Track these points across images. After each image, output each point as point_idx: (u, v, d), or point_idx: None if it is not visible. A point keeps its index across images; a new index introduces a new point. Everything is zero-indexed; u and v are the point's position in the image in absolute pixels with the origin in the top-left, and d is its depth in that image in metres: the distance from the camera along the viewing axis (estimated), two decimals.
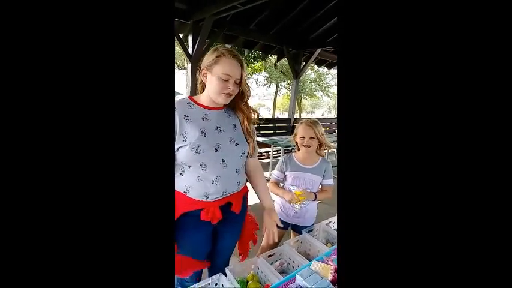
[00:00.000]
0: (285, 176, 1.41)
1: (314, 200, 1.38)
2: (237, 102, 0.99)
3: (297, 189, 1.36)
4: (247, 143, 1.01)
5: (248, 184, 1.12)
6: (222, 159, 0.92)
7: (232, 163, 0.95)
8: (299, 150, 1.41)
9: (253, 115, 1.01)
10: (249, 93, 1.00)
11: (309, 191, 1.35)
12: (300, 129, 1.37)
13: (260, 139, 3.81)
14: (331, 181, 1.41)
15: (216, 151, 0.90)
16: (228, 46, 5.09)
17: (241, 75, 0.92)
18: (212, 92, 0.91)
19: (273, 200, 1.42)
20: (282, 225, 1.43)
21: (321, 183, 1.41)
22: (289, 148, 3.96)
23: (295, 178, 1.38)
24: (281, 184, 1.45)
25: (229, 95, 0.91)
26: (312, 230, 1.38)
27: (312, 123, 1.36)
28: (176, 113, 0.89)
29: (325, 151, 1.42)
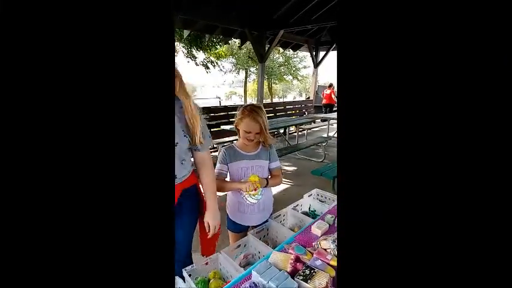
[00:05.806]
0: (228, 168, 1.27)
1: (266, 186, 1.27)
2: None
3: (251, 175, 1.23)
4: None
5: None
6: None
7: None
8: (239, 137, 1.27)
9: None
10: None
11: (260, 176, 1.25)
12: (245, 123, 1.19)
13: (228, 127, 3.70)
14: (278, 163, 1.32)
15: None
16: (187, 32, 4.81)
17: None
18: None
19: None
20: (238, 230, 1.33)
21: (269, 168, 1.30)
22: None
23: (243, 168, 1.25)
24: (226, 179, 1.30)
25: None
26: (278, 216, 1.33)
27: (258, 113, 1.17)
28: None
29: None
